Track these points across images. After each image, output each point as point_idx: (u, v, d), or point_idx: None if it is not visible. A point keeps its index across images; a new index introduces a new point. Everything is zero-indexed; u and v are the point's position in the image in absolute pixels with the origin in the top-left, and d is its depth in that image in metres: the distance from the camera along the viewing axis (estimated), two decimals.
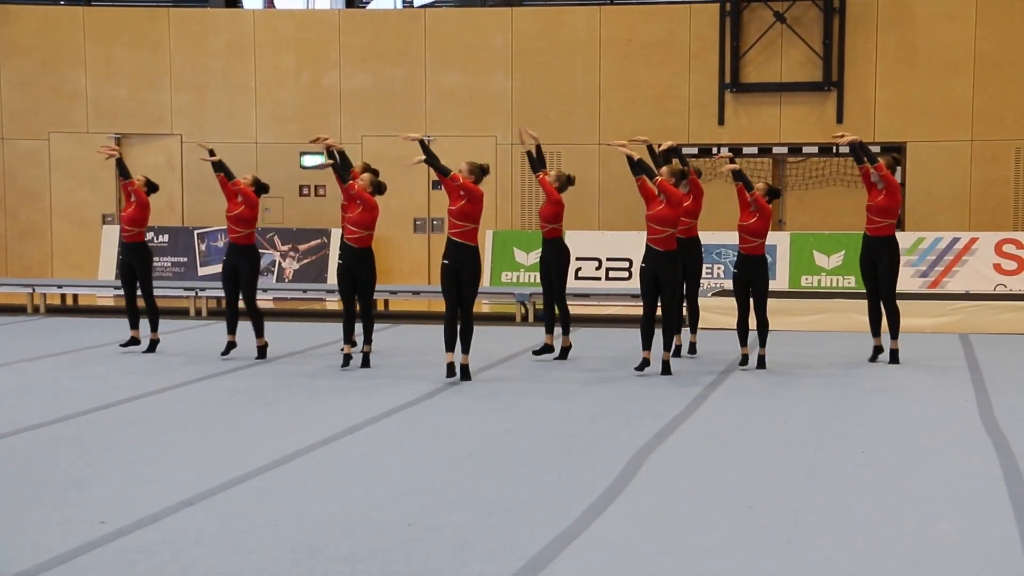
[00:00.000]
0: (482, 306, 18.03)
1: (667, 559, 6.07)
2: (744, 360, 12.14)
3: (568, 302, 12.80)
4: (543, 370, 11.98)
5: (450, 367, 11.16)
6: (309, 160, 19.63)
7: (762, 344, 12.14)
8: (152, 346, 13.02)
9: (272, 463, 8.06)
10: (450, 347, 11.16)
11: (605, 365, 12.35)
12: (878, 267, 12.32)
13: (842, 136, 12.57)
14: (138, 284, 13.08)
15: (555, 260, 12.50)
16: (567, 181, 12.67)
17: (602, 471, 7.84)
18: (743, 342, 12.23)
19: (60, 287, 18.14)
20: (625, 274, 18.29)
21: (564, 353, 12.61)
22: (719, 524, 6.70)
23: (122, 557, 6.10)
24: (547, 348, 12.61)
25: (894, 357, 12.37)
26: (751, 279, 12.09)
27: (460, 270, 11.16)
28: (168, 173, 19.60)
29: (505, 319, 16.71)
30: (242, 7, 21.19)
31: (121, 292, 13.65)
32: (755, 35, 18.92)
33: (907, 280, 17.61)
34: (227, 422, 9.60)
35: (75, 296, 18.34)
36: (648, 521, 6.79)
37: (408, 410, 10.06)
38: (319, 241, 19.46)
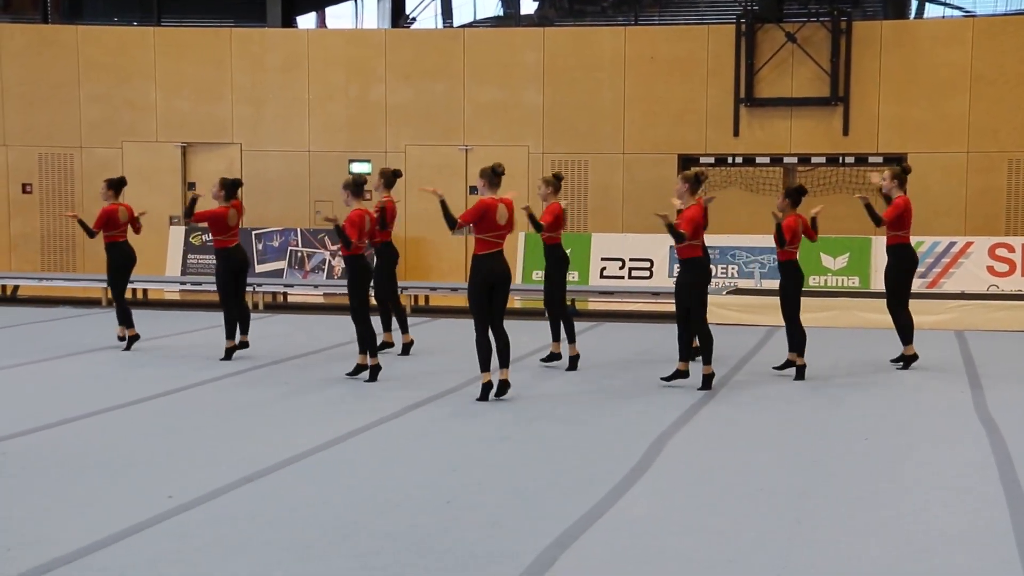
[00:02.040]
0: (515, 302, 18.03)
1: (685, 537, 6.06)
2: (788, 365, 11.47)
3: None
4: (563, 372, 11.93)
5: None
6: (357, 167, 19.66)
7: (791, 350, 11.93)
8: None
9: (319, 446, 8.08)
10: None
11: (628, 357, 12.32)
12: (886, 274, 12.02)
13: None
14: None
15: (553, 268, 11.63)
16: (556, 180, 11.55)
17: (624, 456, 7.83)
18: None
19: (131, 283, 18.17)
20: (647, 273, 18.25)
21: (573, 363, 11.51)
22: (732, 505, 6.68)
23: (186, 529, 6.13)
24: (553, 356, 11.74)
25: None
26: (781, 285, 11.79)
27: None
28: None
29: (536, 314, 16.67)
30: (297, 27, 21.25)
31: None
32: (768, 54, 18.84)
33: None
34: (280, 407, 9.61)
35: (144, 291, 18.43)
36: (667, 502, 6.78)
37: (447, 397, 10.07)
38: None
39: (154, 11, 21.48)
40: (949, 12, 20.22)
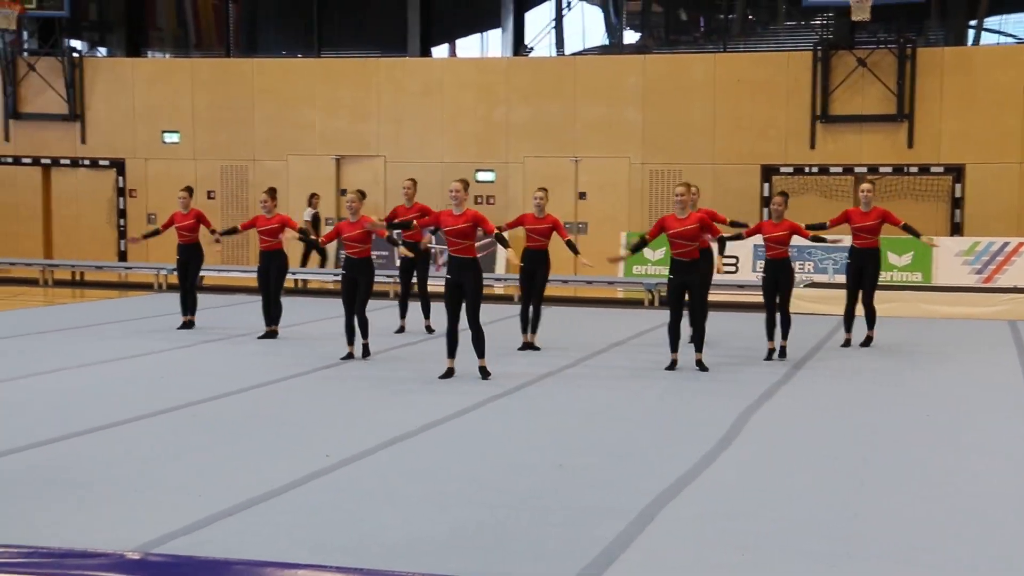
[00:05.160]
0: (617, 293, 17.98)
1: (765, 497, 6.02)
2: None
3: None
4: (662, 346, 11.77)
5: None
6: (482, 176, 19.77)
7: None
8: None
9: (448, 416, 8.16)
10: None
11: (715, 339, 12.21)
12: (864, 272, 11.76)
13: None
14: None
15: (540, 269, 11.31)
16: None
17: (713, 427, 7.79)
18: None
19: (294, 274, 18.60)
20: (733, 269, 18.05)
21: (529, 346, 11.37)
22: (806, 469, 6.61)
23: (342, 483, 6.26)
24: (526, 345, 11.41)
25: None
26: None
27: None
28: (374, 187, 19.90)
29: (636, 304, 16.64)
30: (432, 56, 21.43)
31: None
32: (841, 76, 18.47)
33: (965, 276, 17.09)
34: (415, 384, 9.66)
35: (305, 281, 18.83)
36: (750, 467, 6.73)
37: (555, 377, 10.09)
38: (490, 240, 19.56)
39: (315, 45, 21.86)
40: (1004, 39, 19.62)
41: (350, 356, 10.79)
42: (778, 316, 10.91)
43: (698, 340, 10.26)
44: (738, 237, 11.01)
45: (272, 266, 12.29)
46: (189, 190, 13.37)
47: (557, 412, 8.41)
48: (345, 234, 10.93)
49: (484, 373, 9.70)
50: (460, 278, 9.57)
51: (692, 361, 10.34)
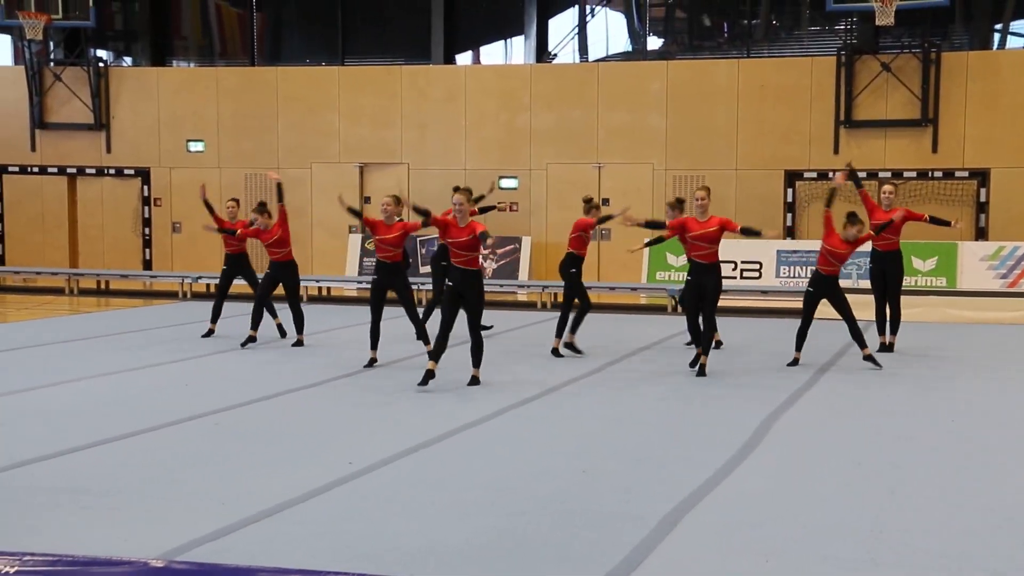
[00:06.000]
0: (640, 299, 17.95)
1: (791, 502, 5.98)
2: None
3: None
4: (684, 352, 11.80)
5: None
6: (505, 182, 19.79)
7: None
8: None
9: (469, 423, 8.16)
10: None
11: (738, 345, 12.17)
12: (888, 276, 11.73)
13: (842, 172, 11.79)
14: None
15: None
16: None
17: (737, 432, 7.75)
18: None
19: (318, 281, 18.70)
20: (756, 274, 17.97)
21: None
22: (830, 475, 6.56)
23: (364, 491, 6.26)
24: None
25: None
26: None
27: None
28: (397, 193, 19.93)
29: (659, 310, 16.60)
30: (456, 63, 21.48)
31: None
32: (865, 81, 18.39)
33: (990, 280, 16.95)
34: (437, 390, 9.67)
35: (328, 289, 18.88)
36: (775, 472, 6.69)
37: (579, 382, 10.08)
38: (512, 247, 19.61)
39: (339, 53, 21.95)
40: None
41: (373, 362, 10.79)
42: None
43: (706, 344, 10.38)
44: (756, 234, 10.77)
45: (284, 276, 12.28)
46: (236, 201, 13.43)
47: (580, 417, 8.39)
48: (380, 235, 10.71)
49: (474, 381, 9.66)
50: (463, 288, 9.53)
51: (715, 365, 10.35)
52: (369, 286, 11.81)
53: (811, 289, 10.96)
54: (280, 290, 12.44)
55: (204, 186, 13.79)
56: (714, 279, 10.35)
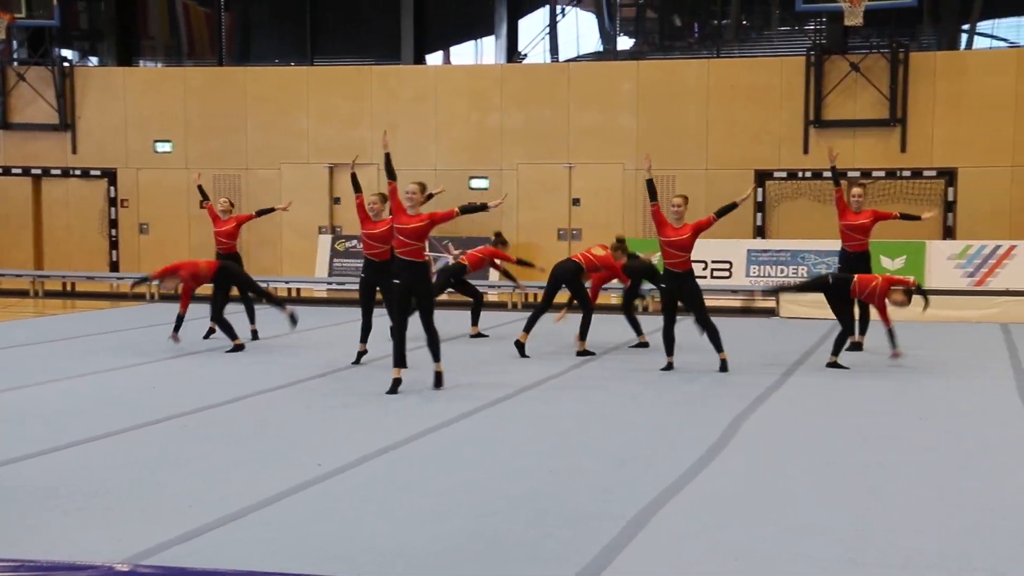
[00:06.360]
0: (611, 298, 17.96)
1: (764, 502, 5.98)
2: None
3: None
4: (656, 353, 11.78)
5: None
6: (476, 183, 19.77)
7: (862, 332, 11.83)
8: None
9: (441, 424, 8.13)
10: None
11: (708, 346, 12.18)
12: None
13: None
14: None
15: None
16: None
17: (707, 431, 7.76)
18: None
19: (287, 283, 18.60)
20: (727, 274, 18.04)
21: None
22: (800, 473, 6.57)
23: (335, 492, 6.21)
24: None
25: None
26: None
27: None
28: (367, 194, 19.84)
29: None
30: (426, 63, 21.44)
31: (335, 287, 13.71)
32: (834, 81, 18.50)
33: (957, 279, 17.09)
34: (408, 392, 9.61)
35: (298, 290, 18.79)
36: (746, 471, 6.70)
37: (551, 382, 10.07)
38: (484, 245, 19.53)
39: (308, 53, 21.86)
40: (996, 43, 19.66)
41: (361, 355, 10.89)
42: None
43: (716, 345, 10.54)
44: (732, 207, 10.70)
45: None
46: (231, 202, 13.63)
47: (552, 416, 8.37)
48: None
49: (439, 380, 9.40)
50: (411, 283, 9.29)
51: (686, 364, 10.42)
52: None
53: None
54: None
55: (199, 174, 14.62)
56: (688, 285, 10.42)
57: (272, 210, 14.14)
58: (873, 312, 11.31)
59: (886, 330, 10.72)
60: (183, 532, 5.38)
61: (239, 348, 11.87)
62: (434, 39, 21.83)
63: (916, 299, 10.63)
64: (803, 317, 14.77)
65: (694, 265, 10.78)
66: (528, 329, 11.53)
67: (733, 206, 10.59)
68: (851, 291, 10.70)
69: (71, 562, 4.87)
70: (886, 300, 10.59)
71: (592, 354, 11.58)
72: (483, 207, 9.63)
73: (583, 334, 11.56)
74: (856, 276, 10.80)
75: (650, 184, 10.69)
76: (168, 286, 12.03)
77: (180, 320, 11.93)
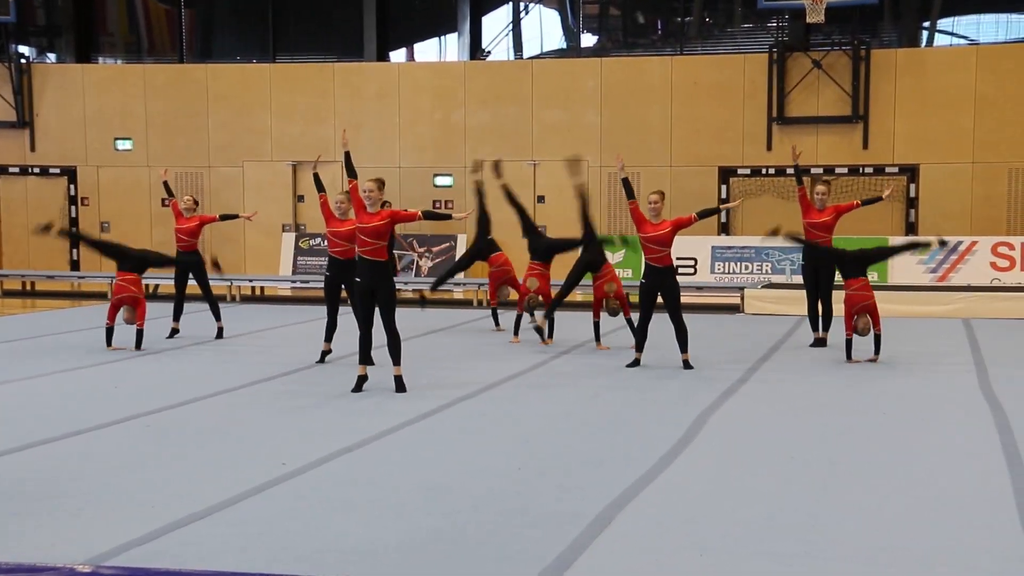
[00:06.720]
0: (576, 295, 17.99)
1: (725, 498, 6.03)
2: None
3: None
4: (621, 352, 11.84)
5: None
6: (440, 180, 19.77)
7: (825, 328, 11.95)
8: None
9: (407, 421, 8.12)
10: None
11: (671, 342, 12.24)
12: (820, 273, 11.90)
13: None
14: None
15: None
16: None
17: (672, 427, 7.80)
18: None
19: (251, 281, 18.50)
20: (691, 270, 18.14)
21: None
22: (764, 469, 6.63)
23: (299, 491, 6.19)
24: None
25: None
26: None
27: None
28: (331, 191, 19.77)
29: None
30: (390, 60, 21.38)
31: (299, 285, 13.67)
32: (797, 78, 18.65)
33: (920, 275, 17.30)
34: (371, 390, 9.55)
35: (262, 288, 18.69)
36: (710, 468, 6.74)
37: (521, 377, 10.09)
38: (448, 244, 19.57)
39: (270, 51, 21.75)
40: (956, 41, 19.89)
41: (325, 355, 10.89)
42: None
43: (683, 344, 10.53)
44: (714, 211, 10.90)
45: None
46: (195, 200, 13.49)
47: (517, 414, 8.38)
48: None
49: (399, 385, 9.16)
50: (373, 283, 9.10)
51: (652, 360, 10.49)
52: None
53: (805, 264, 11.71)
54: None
55: (166, 171, 14.44)
56: (669, 281, 10.40)
57: (236, 217, 14.31)
58: (837, 309, 11.44)
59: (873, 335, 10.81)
60: (146, 532, 5.35)
61: (175, 332, 12.75)
62: (397, 36, 21.78)
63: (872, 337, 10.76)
64: (768, 313, 14.87)
65: None
66: (546, 316, 12.10)
67: (716, 210, 10.74)
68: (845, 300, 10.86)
69: (32, 564, 4.83)
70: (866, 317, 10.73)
71: (541, 332, 12.08)
72: (447, 217, 10.14)
73: (548, 313, 12.10)
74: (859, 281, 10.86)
75: (626, 183, 10.74)
76: (128, 318, 11.84)
77: (110, 332, 11.85)
